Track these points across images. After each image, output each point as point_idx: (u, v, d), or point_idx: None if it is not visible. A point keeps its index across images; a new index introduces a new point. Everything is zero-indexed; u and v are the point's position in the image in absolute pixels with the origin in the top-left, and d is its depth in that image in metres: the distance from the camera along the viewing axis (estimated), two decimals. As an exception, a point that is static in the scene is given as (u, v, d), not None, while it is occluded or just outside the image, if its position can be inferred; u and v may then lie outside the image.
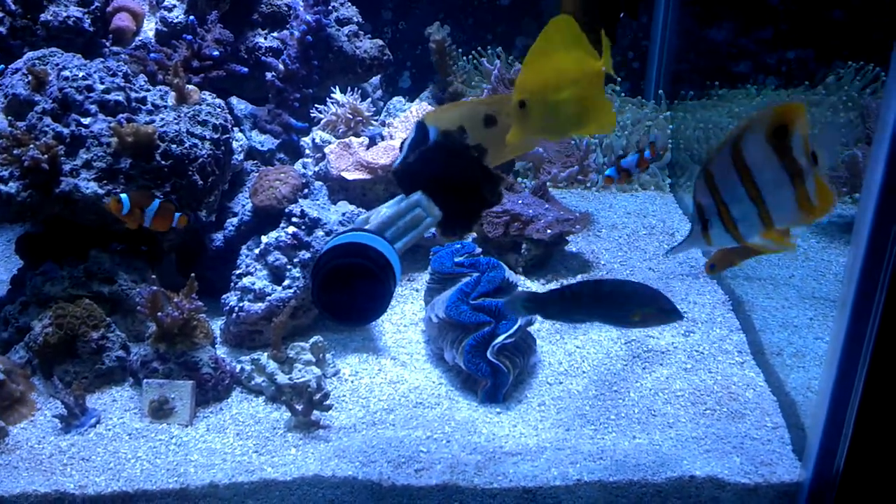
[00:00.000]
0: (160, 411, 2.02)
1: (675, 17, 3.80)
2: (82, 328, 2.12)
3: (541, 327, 2.37)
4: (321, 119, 2.84)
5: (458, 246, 2.35)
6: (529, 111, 1.54)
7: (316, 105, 2.87)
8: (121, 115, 2.24)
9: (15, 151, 2.10)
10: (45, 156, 2.10)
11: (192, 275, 2.10)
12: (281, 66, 2.87)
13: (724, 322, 2.43)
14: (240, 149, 2.68)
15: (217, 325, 2.36)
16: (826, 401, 1.75)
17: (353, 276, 1.52)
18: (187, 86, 2.42)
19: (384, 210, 1.64)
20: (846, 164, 3.07)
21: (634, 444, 1.94)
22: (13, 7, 2.53)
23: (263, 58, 2.91)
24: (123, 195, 2.04)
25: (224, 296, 2.32)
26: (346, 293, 1.54)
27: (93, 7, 2.59)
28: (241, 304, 2.25)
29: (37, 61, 2.35)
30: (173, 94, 2.39)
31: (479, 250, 2.35)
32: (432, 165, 1.63)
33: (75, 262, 2.25)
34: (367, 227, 1.62)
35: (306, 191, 2.58)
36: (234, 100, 2.89)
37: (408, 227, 1.62)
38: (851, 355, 1.70)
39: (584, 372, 2.23)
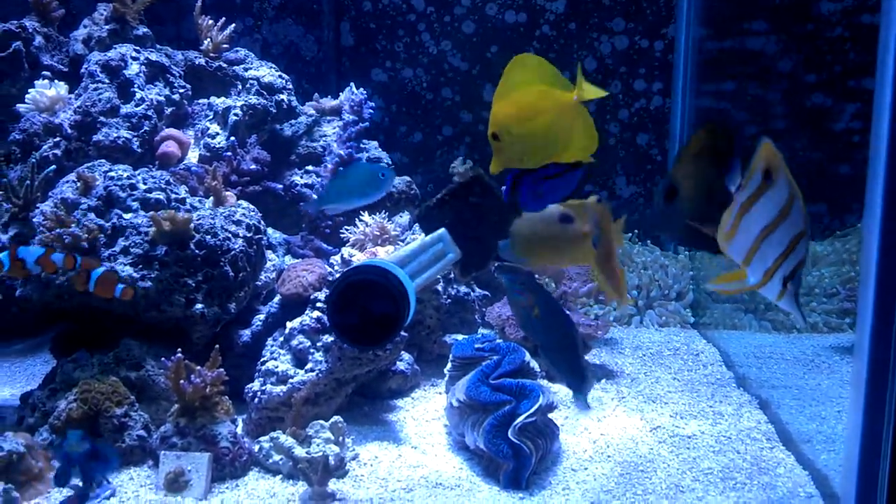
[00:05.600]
0: (175, 483, 2.00)
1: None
2: (106, 403, 2.14)
3: (564, 423, 2.33)
4: (350, 238, 2.96)
5: (479, 336, 2.39)
6: (503, 142, 1.60)
7: (346, 227, 3.01)
8: (160, 212, 2.38)
9: (57, 231, 2.22)
10: (86, 236, 2.22)
11: (217, 346, 2.15)
12: (315, 196, 3.05)
13: (751, 416, 2.39)
14: (272, 268, 2.79)
15: (240, 421, 2.36)
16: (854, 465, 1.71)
17: (367, 293, 1.57)
18: (224, 192, 2.58)
19: (407, 247, 1.71)
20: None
21: (662, 513, 1.87)
22: (69, 132, 2.76)
23: (299, 190, 3.09)
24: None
25: (248, 386, 2.34)
26: (359, 310, 1.57)
27: (141, 131, 2.81)
28: (262, 388, 2.27)
29: (85, 170, 2.52)
30: (211, 199, 2.55)
31: (499, 340, 2.37)
32: (456, 205, 1.70)
33: (106, 351, 2.30)
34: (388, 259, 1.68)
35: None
36: (269, 230, 3.04)
37: (430, 263, 1.68)
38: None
39: (609, 456, 2.17)
